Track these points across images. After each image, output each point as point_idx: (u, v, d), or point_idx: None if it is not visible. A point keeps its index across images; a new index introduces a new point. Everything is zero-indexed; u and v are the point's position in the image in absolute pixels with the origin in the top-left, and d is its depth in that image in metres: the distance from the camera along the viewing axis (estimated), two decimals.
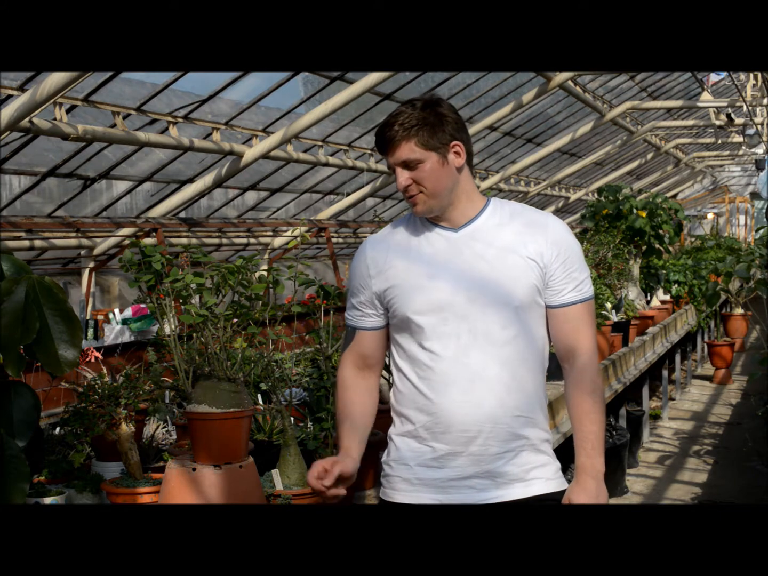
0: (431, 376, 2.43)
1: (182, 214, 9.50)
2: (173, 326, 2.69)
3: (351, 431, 2.52)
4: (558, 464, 2.52)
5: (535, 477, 2.45)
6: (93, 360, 3.57)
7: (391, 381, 2.59)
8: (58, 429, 3.44)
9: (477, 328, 2.41)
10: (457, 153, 2.45)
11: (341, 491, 2.40)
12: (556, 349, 2.53)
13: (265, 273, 2.76)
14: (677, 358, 11.27)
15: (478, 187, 2.59)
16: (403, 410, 2.50)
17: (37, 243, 8.10)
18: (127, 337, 6.19)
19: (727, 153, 21.72)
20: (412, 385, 2.47)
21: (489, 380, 2.40)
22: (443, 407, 2.41)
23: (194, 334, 2.62)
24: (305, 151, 9.87)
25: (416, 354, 2.46)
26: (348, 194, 11.49)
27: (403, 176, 2.41)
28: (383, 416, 2.68)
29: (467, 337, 2.41)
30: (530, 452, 2.45)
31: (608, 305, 7.03)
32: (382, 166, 11.15)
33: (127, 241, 8.11)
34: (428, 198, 2.43)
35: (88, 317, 7.06)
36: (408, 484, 2.48)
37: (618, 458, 7.22)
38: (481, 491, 2.42)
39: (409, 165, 2.41)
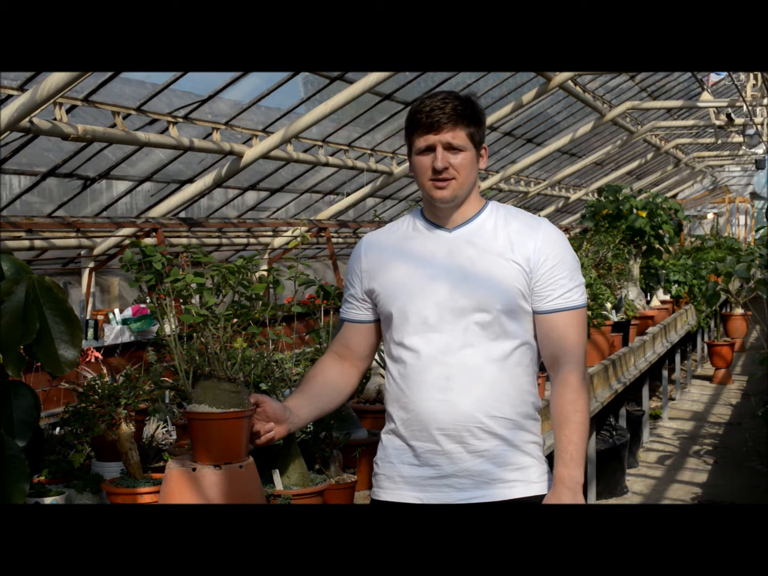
0: (411, 374, 2.46)
1: (182, 214, 9.50)
2: (173, 326, 2.68)
3: (298, 393, 2.61)
4: (545, 467, 2.51)
5: (517, 479, 2.45)
6: (93, 360, 3.57)
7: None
8: (58, 429, 3.44)
9: (458, 328, 2.43)
10: (481, 156, 2.51)
11: (267, 426, 2.51)
12: (542, 356, 2.53)
13: (265, 273, 2.76)
14: (677, 358, 11.27)
15: (479, 187, 2.61)
16: (389, 408, 2.55)
17: (37, 243, 8.10)
18: (127, 337, 6.19)
19: (727, 153, 21.71)
20: (395, 383, 2.51)
21: (467, 380, 2.42)
22: (420, 405, 2.44)
23: (194, 334, 2.62)
24: (305, 151, 9.87)
25: (399, 352, 2.49)
26: (348, 194, 11.49)
27: (445, 157, 2.43)
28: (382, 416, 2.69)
29: (449, 336, 2.43)
30: (512, 453, 2.45)
31: (608, 305, 7.03)
32: (383, 166, 11.14)
33: (127, 241, 8.11)
34: (457, 187, 2.45)
35: (88, 317, 7.06)
36: (391, 482, 2.52)
37: (618, 458, 7.21)
38: (461, 490, 2.43)
39: (451, 149, 2.43)
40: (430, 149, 2.44)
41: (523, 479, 2.45)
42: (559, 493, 2.40)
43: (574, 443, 2.42)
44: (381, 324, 2.58)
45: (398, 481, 2.50)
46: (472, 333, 2.42)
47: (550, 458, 2.51)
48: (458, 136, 2.43)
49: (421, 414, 2.44)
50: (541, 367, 2.60)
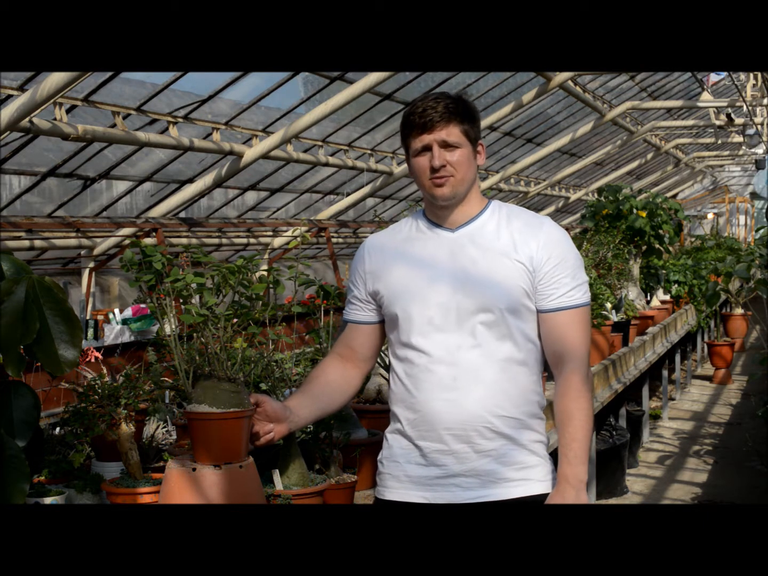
0: (417, 374, 2.47)
1: (182, 214, 9.50)
2: (173, 326, 2.68)
3: (299, 393, 2.63)
4: (550, 466, 2.51)
5: (523, 478, 2.45)
6: (93, 360, 3.57)
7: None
8: (58, 429, 3.44)
9: (464, 328, 2.43)
10: (479, 152, 2.52)
11: (267, 427, 2.53)
12: (545, 354, 2.52)
13: (265, 273, 2.76)
14: (677, 358, 11.27)
15: (479, 186, 2.61)
16: (394, 408, 2.55)
17: (37, 243, 8.10)
18: (127, 337, 6.19)
19: (727, 153, 21.71)
20: (401, 383, 2.51)
21: (473, 380, 2.42)
22: (427, 405, 2.45)
23: (194, 334, 2.62)
24: (305, 151, 9.87)
25: (405, 352, 2.50)
26: (348, 194, 11.49)
27: (442, 155, 2.44)
28: (385, 416, 2.69)
29: (455, 336, 2.43)
30: (518, 453, 2.45)
31: (608, 305, 7.02)
32: (383, 166, 11.14)
33: (127, 241, 8.11)
34: (457, 183, 2.46)
35: (88, 317, 7.05)
36: (397, 482, 2.52)
37: (618, 458, 7.21)
38: (467, 490, 2.44)
39: (447, 146, 2.44)
40: (427, 149, 2.45)
41: (529, 478, 2.46)
42: (563, 491, 2.40)
43: (578, 441, 2.42)
44: (386, 325, 2.59)
45: (404, 480, 2.50)
46: (478, 333, 2.43)
47: (553, 456, 2.51)
48: (452, 133, 2.43)
49: (429, 414, 2.44)
50: (545, 367, 2.60)
